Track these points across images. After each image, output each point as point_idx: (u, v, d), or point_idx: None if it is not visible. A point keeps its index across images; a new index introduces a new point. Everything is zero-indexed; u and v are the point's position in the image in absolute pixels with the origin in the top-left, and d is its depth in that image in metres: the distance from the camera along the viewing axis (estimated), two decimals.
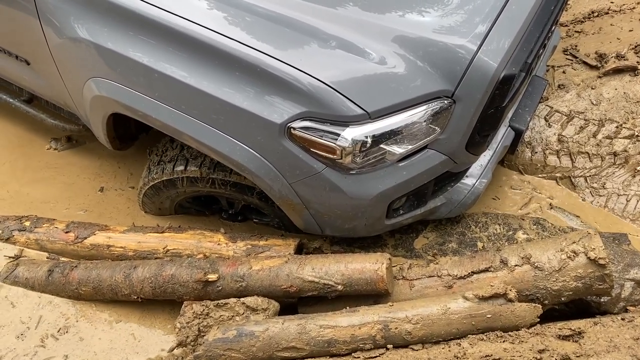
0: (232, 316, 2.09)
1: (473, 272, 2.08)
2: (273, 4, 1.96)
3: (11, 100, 2.99)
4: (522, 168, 2.98)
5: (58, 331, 2.38)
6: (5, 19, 2.37)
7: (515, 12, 2.05)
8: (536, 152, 2.93)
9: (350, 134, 1.86)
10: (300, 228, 2.42)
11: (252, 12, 1.95)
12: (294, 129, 1.89)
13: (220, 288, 2.19)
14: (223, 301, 2.11)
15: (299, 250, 2.48)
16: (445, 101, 1.94)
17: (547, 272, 2.00)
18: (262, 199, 2.40)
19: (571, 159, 2.88)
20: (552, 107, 3.02)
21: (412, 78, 1.90)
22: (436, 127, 1.98)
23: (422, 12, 2.02)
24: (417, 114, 1.90)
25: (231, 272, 2.21)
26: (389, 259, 2.12)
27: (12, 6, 2.28)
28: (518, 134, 2.54)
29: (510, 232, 2.59)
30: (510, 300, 1.94)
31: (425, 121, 1.92)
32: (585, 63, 3.17)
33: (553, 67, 3.18)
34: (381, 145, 1.92)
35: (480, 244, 2.55)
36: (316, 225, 2.31)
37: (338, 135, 1.87)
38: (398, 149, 1.96)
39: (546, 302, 2.03)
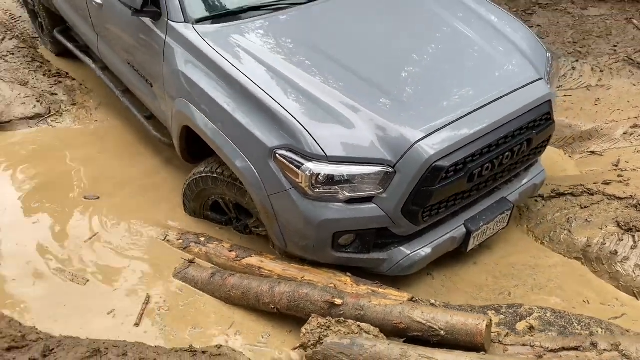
0: (348, 333, 2.51)
1: (563, 348, 2.33)
2: (301, 80, 2.80)
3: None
4: (637, 292, 3.13)
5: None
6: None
7: (470, 125, 2.71)
8: None
9: (311, 166, 2.57)
10: (273, 239, 3.05)
11: (281, 77, 2.82)
12: (278, 153, 2.62)
13: (342, 312, 2.65)
14: (343, 319, 2.56)
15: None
16: (389, 169, 2.60)
17: None
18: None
19: None
20: None
21: (367, 144, 2.61)
22: (380, 186, 2.64)
23: (400, 103, 2.75)
24: (363, 170, 2.59)
25: (354, 302, 2.67)
26: (490, 320, 2.45)
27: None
28: (468, 233, 3.03)
29: None
30: None
31: (370, 178, 2.60)
32: None
33: None
34: (334, 186, 2.61)
35: None
36: (282, 238, 2.92)
37: (302, 164, 2.57)
38: (346, 192, 2.64)
39: None
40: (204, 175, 3.27)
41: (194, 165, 3.45)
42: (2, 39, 5.50)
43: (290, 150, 2.62)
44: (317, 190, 2.62)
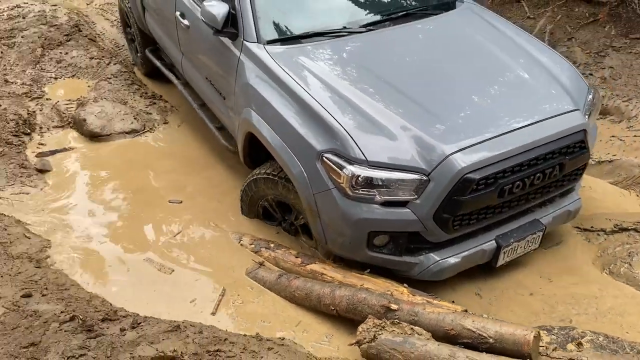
0: (401, 334, 2.70)
1: None
2: (352, 95, 3.17)
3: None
4: None
5: None
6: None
7: (502, 144, 2.97)
8: None
9: (352, 169, 2.89)
10: (315, 236, 3.36)
11: (338, 94, 3.20)
12: (324, 156, 2.97)
13: (397, 317, 2.85)
14: (397, 321, 2.75)
15: None
16: (424, 177, 2.87)
17: None
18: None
19: None
20: None
21: (405, 154, 2.92)
22: (414, 193, 2.91)
23: (444, 125, 3.03)
24: (400, 176, 2.89)
25: (408, 308, 2.87)
26: (539, 332, 2.57)
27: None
28: (498, 248, 3.22)
29: None
30: None
31: (405, 184, 2.88)
32: None
33: None
34: (372, 188, 2.89)
35: None
36: (323, 234, 3.21)
37: (344, 167, 2.90)
38: (383, 195, 2.92)
39: None
40: (248, 181, 3.71)
41: None
42: (108, 64, 6.19)
43: (336, 154, 2.97)
44: (357, 191, 2.93)
